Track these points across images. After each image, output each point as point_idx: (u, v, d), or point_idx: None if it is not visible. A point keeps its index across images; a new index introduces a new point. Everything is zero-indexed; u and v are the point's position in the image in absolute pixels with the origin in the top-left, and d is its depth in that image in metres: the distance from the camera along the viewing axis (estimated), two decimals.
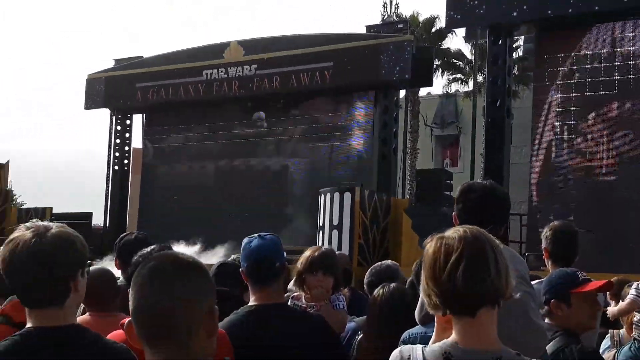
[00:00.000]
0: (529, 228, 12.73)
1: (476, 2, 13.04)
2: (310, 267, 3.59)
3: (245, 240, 3.24)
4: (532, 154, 13.21)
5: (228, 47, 18.09)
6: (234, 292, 3.68)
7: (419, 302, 3.43)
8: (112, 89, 19.69)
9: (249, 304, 3.16)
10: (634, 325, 4.72)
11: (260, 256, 3.11)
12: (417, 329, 3.48)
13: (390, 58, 15.71)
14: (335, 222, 13.26)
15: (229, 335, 2.77)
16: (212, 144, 18.93)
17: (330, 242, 13.07)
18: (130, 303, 1.73)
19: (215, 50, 18.28)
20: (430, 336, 3.02)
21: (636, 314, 4.69)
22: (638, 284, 4.74)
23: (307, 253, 3.70)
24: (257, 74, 17.50)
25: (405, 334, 3.42)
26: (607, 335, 5.05)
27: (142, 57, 19.92)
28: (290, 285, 3.98)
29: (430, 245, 2.19)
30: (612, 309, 4.50)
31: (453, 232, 2.15)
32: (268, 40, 17.81)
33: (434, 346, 2.14)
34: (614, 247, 11.29)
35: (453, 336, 2.13)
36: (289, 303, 3.62)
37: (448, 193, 14.44)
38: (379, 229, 13.42)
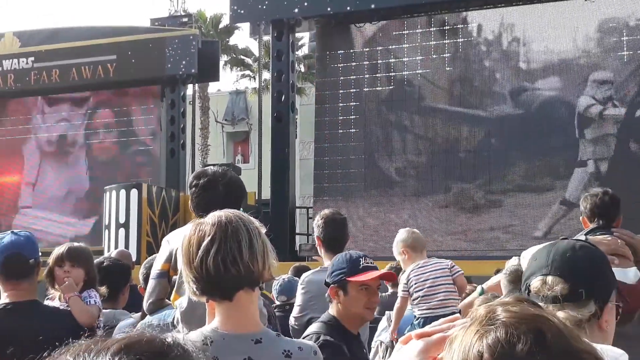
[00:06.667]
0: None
1: None
2: (57, 261, 3.50)
3: None
4: (317, 149, 13.58)
5: (2, 38, 17.00)
6: None
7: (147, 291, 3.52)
8: None
9: (0, 301, 3.11)
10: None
11: (12, 252, 3.07)
12: (147, 319, 3.58)
13: (175, 52, 15.50)
14: (122, 220, 12.96)
15: None
16: None
17: (117, 241, 12.74)
18: None
19: None
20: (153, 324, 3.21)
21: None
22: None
23: (57, 249, 3.60)
24: (34, 67, 16.59)
25: (140, 325, 3.52)
26: (383, 317, 5.30)
27: None
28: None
29: (187, 232, 2.16)
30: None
31: (209, 218, 2.13)
32: (47, 32, 16.95)
33: (194, 332, 2.12)
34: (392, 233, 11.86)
35: (214, 321, 2.12)
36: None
37: None
38: (167, 226, 13.23)
